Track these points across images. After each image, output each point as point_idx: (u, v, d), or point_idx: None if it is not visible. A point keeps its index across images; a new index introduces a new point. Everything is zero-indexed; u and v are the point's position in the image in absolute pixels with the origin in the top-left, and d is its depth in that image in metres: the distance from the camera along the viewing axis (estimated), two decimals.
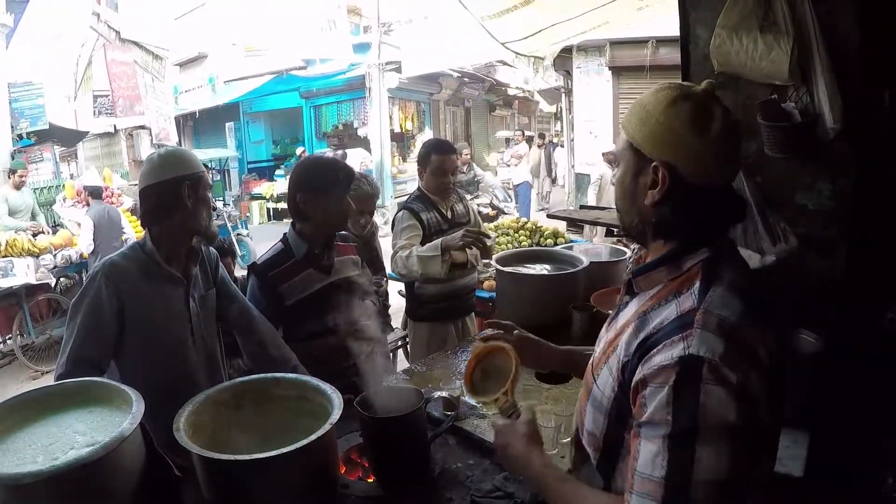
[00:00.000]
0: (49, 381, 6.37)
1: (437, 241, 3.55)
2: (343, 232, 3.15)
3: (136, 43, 12.25)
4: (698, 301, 1.20)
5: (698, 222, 1.29)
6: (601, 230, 6.11)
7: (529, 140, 14.30)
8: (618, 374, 1.28)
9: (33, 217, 8.64)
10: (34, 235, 7.66)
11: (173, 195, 2.28)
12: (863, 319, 2.44)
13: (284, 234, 2.91)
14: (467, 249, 3.70)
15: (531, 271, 3.57)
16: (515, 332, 1.91)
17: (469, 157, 15.30)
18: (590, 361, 1.47)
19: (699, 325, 1.16)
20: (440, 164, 3.84)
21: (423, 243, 3.69)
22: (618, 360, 1.29)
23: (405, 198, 4.24)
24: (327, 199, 2.75)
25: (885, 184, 2.38)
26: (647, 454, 1.15)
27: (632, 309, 1.37)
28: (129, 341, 2.32)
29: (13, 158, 10.61)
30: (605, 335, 1.46)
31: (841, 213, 2.48)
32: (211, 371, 2.51)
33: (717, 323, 1.16)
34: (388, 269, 4.27)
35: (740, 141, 1.32)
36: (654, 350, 1.19)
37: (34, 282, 7.08)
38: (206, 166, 10.06)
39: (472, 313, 4.26)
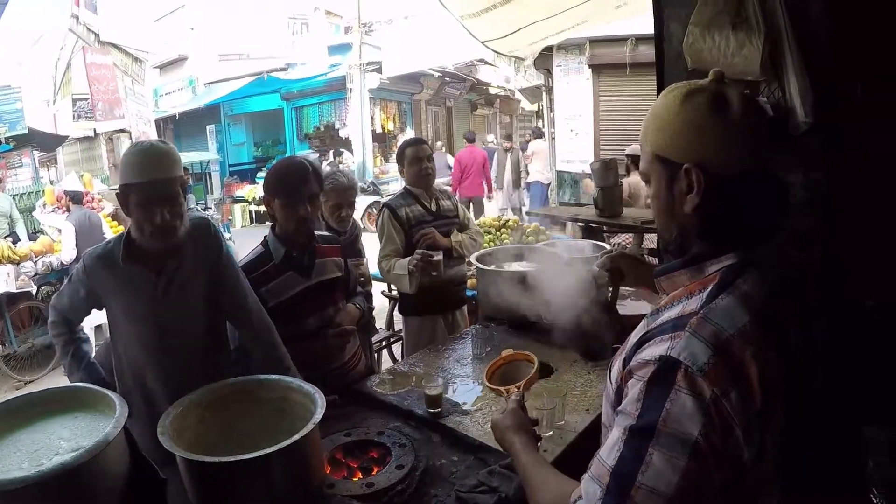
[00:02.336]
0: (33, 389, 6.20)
1: (405, 261, 3.74)
2: (326, 233, 3.17)
3: (115, 45, 12.12)
4: (702, 305, 1.18)
5: (736, 217, 1.24)
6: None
7: (540, 136, 14.14)
8: (620, 365, 1.27)
9: (12, 223, 8.54)
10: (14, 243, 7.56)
11: (124, 202, 2.35)
12: (843, 308, 2.47)
13: (265, 236, 2.91)
14: (452, 237, 4.00)
15: (510, 268, 3.60)
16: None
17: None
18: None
19: (690, 330, 1.13)
20: (414, 153, 4.03)
21: (406, 236, 3.90)
22: (626, 352, 1.27)
23: (388, 198, 4.34)
24: (290, 203, 2.75)
25: (857, 175, 2.42)
26: (610, 441, 1.15)
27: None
28: (112, 325, 2.50)
29: None
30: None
31: (815, 205, 2.51)
32: (203, 354, 2.50)
33: (711, 332, 1.12)
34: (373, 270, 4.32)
35: (764, 118, 1.28)
36: (647, 343, 1.18)
37: (14, 290, 6.94)
38: (185, 170, 9.95)
39: (464, 307, 4.32)
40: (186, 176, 2.42)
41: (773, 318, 1.20)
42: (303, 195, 2.75)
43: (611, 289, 1.98)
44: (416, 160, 4.00)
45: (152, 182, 2.29)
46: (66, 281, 2.62)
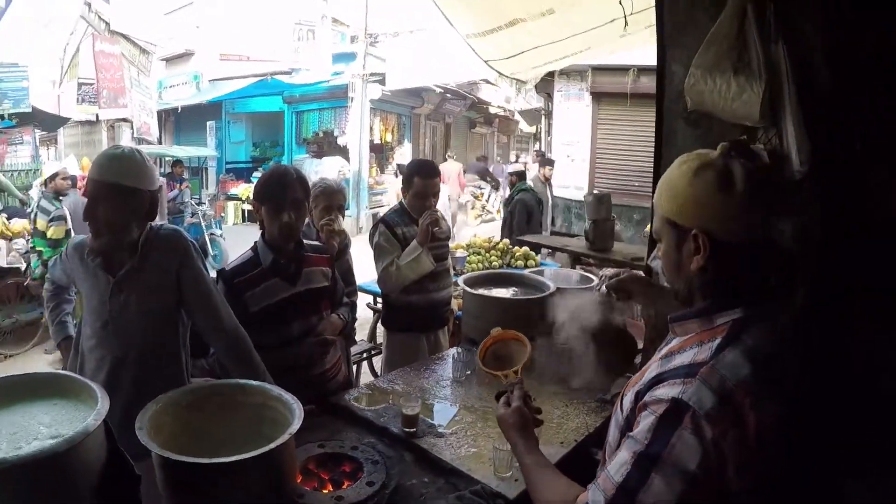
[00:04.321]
0: (15, 365, 6.26)
1: (413, 243, 3.79)
2: (316, 243, 3.18)
3: (124, 36, 12.15)
4: (711, 356, 1.33)
5: (740, 278, 1.40)
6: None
7: (544, 160, 14.28)
8: (633, 398, 1.43)
9: (9, 198, 8.50)
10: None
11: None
12: (829, 358, 2.48)
13: (255, 241, 2.93)
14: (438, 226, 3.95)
15: (497, 294, 3.61)
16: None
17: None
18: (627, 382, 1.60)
19: (701, 377, 1.29)
20: (422, 187, 3.95)
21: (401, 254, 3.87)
22: (639, 386, 1.43)
23: (381, 209, 4.31)
24: (274, 210, 2.79)
25: (850, 224, 2.43)
26: (619, 459, 1.33)
27: (671, 344, 1.51)
28: (84, 308, 2.65)
29: None
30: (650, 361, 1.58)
31: (804, 253, 2.52)
32: (149, 359, 2.54)
33: (718, 382, 1.28)
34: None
35: (770, 192, 1.41)
36: (662, 383, 1.35)
37: (5, 265, 7.06)
38: (179, 162, 9.94)
39: (445, 327, 4.31)
40: (155, 190, 2.50)
41: (772, 370, 1.35)
42: (286, 201, 2.78)
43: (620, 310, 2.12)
44: (423, 196, 3.95)
45: (91, 181, 2.43)
46: (58, 255, 2.95)
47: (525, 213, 8.69)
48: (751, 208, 1.37)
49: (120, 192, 2.40)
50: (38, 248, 6.70)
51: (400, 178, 11.25)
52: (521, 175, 9.68)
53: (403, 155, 19.44)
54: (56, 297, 2.98)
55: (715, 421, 1.24)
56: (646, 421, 1.32)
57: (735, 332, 1.36)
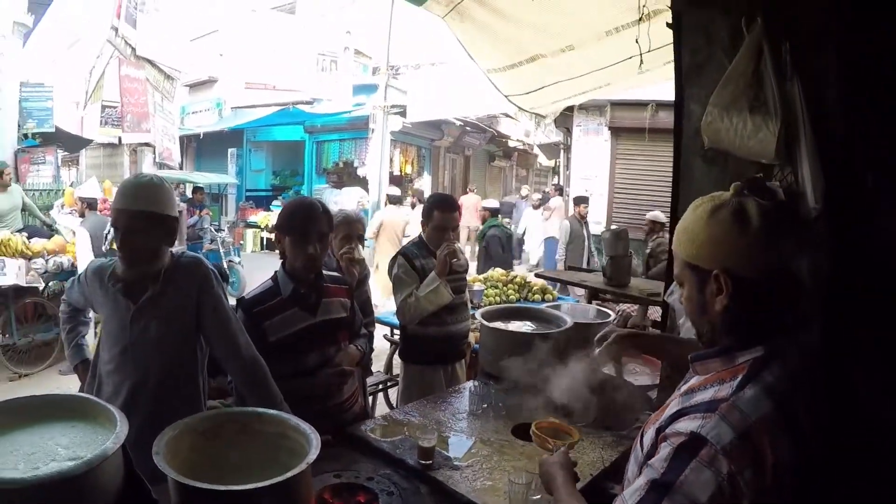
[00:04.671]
0: (30, 385, 6.29)
1: (432, 275, 3.82)
2: (335, 273, 3.21)
3: (149, 61, 12.37)
4: (732, 393, 1.36)
5: (763, 314, 1.43)
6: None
7: (560, 192, 14.34)
8: (654, 434, 1.45)
9: (31, 217, 8.62)
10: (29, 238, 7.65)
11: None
12: (837, 393, 2.47)
13: (276, 271, 2.96)
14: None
15: (514, 327, 3.62)
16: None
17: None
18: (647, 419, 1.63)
19: (720, 414, 1.31)
20: (441, 221, 3.99)
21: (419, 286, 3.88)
22: (659, 423, 1.45)
23: (404, 245, 4.33)
24: (299, 241, 2.82)
25: (861, 263, 2.43)
26: (635, 485, 1.38)
27: (691, 382, 1.54)
28: (102, 331, 2.68)
29: (16, 157, 10.67)
30: (670, 399, 1.59)
31: (816, 290, 2.52)
32: (166, 383, 2.58)
33: (737, 418, 1.30)
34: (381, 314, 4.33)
35: (786, 226, 1.43)
36: (682, 418, 1.38)
37: (24, 284, 7.08)
38: (200, 189, 10.06)
39: (463, 360, 4.31)
40: (176, 214, 2.58)
41: (791, 407, 1.37)
42: (312, 234, 2.81)
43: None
44: (442, 230, 3.98)
45: (120, 210, 2.48)
46: (76, 277, 2.87)
47: (499, 245, 9.38)
48: (768, 243, 1.39)
49: (154, 220, 2.48)
50: None
51: (417, 207, 11.36)
52: (493, 211, 10.34)
53: (423, 187, 19.55)
54: (72, 319, 3.00)
55: (732, 456, 1.26)
56: (664, 451, 1.34)
57: (756, 370, 1.39)
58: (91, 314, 3.08)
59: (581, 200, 10.76)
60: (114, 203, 2.51)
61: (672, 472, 1.30)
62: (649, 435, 1.49)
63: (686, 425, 1.34)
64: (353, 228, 3.98)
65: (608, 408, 2.73)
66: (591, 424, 2.75)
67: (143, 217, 2.46)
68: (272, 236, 16.32)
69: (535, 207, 14.74)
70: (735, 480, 1.25)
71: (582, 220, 10.48)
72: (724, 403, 1.33)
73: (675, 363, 2.65)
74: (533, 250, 14.69)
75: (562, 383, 2.53)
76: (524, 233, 15.01)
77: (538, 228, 14.30)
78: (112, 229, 2.56)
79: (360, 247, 4.12)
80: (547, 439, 2.23)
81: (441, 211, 4.01)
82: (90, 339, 3.12)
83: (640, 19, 3.49)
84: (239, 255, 12.49)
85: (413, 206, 12.04)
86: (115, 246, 2.56)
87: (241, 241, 17.05)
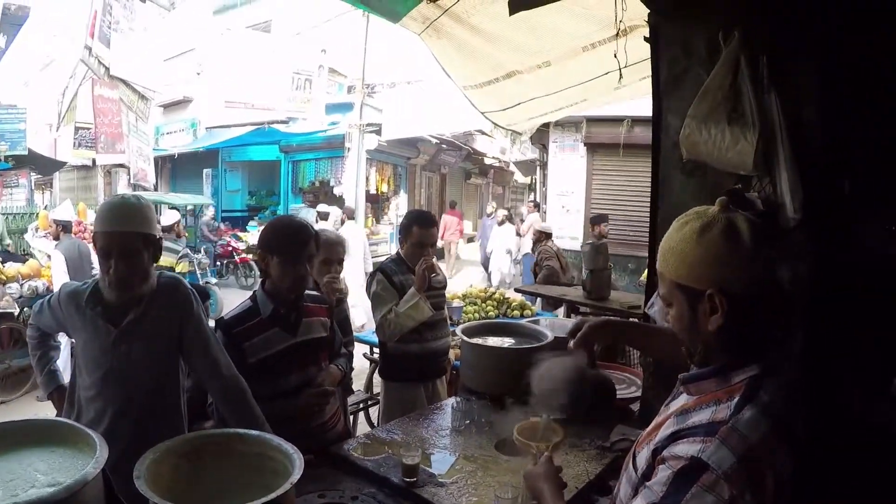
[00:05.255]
0: (7, 412, 6.16)
1: (411, 290, 3.80)
2: (315, 293, 3.18)
3: (124, 81, 12.23)
4: (730, 416, 1.33)
5: (757, 330, 1.42)
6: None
7: (537, 208, 14.38)
8: (649, 455, 1.43)
9: (1, 242, 8.52)
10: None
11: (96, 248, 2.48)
12: (823, 403, 2.48)
13: (254, 291, 2.93)
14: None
15: (494, 343, 3.61)
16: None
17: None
18: (636, 440, 1.61)
19: (720, 438, 1.29)
20: (420, 237, 3.99)
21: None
22: (655, 443, 1.43)
23: (378, 259, 4.31)
24: (289, 262, 2.78)
25: (841, 270, 2.46)
26: None
27: (681, 401, 1.52)
28: (75, 352, 2.64)
29: None
30: (657, 417, 1.59)
31: (798, 298, 2.54)
32: (150, 408, 2.54)
33: (737, 442, 1.28)
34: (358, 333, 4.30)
35: (771, 236, 1.43)
36: (681, 440, 1.35)
37: None
38: (176, 209, 10.08)
39: (444, 377, 4.30)
40: (161, 235, 2.53)
41: (786, 421, 1.36)
42: (303, 255, 2.79)
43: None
44: (421, 246, 3.98)
45: (112, 233, 2.41)
46: (45, 301, 2.75)
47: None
48: (758, 257, 1.38)
49: (147, 241, 2.46)
50: None
51: (347, 224, 11.11)
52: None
53: (399, 206, 19.57)
54: (42, 344, 2.85)
55: (733, 481, 1.24)
56: (663, 473, 1.33)
57: (752, 390, 1.37)
58: (61, 338, 2.96)
59: (600, 220, 9.29)
60: (102, 226, 2.43)
61: (672, 497, 1.29)
62: (644, 455, 1.46)
63: (685, 449, 1.32)
64: (333, 252, 3.95)
65: (588, 399, 2.69)
66: (574, 419, 2.69)
67: (139, 238, 2.42)
68: (249, 256, 16.34)
69: (500, 224, 14.82)
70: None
71: (602, 238, 8.59)
72: (724, 427, 1.31)
73: (651, 353, 2.70)
74: (498, 268, 14.80)
75: (540, 380, 2.50)
76: (491, 252, 15.09)
77: (503, 245, 14.54)
78: (99, 253, 2.45)
79: (340, 268, 4.08)
80: (530, 444, 2.18)
81: (420, 227, 4.00)
82: (62, 364, 3.00)
83: (618, 34, 3.51)
84: (216, 276, 12.36)
85: (342, 222, 11.25)
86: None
87: (218, 263, 16.89)
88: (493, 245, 15.12)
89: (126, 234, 2.41)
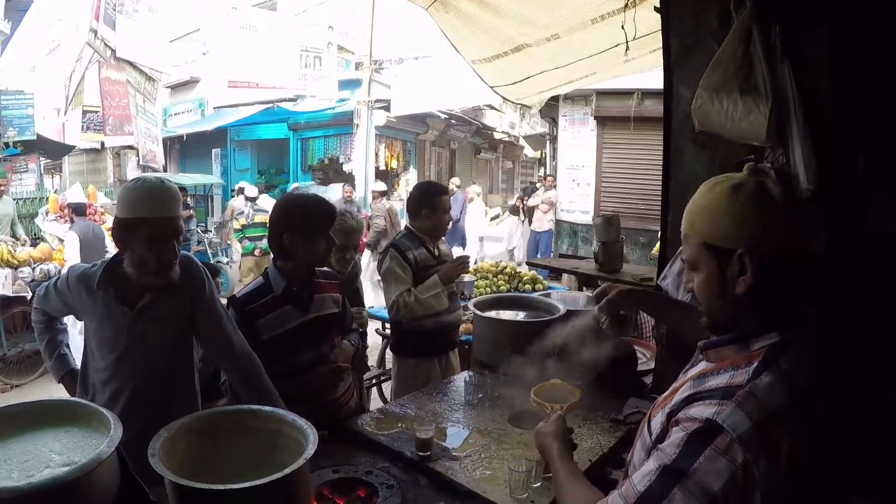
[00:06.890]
0: (21, 395, 6.23)
1: (434, 278, 3.82)
2: (326, 269, 3.18)
3: (130, 63, 12.21)
4: (748, 380, 1.33)
5: (785, 296, 1.40)
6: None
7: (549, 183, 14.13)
8: (664, 418, 1.42)
9: (13, 227, 8.55)
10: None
11: (121, 234, 2.40)
12: (836, 381, 2.48)
13: (266, 269, 2.93)
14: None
15: (507, 317, 3.61)
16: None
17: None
18: (652, 405, 1.61)
19: (736, 401, 1.28)
20: (444, 204, 4.06)
21: (414, 278, 3.89)
22: (670, 406, 1.42)
23: (394, 239, 4.31)
24: (313, 239, 2.79)
25: (855, 244, 2.44)
26: (644, 469, 1.35)
27: (700, 367, 1.52)
28: (86, 335, 2.59)
29: None
30: (674, 383, 1.58)
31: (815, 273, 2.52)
32: (165, 387, 2.55)
33: (754, 406, 1.27)
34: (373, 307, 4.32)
35: (800, 197, 1.41)
36: (696, 402, 1.35)
37: (10, 294, 7.01)
38: (184, 190, 10.11)
39: (456, 349, 4.32)
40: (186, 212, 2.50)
41: (805, 394, 1.35)
42: (328, 230, 2.83)
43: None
44: (444, 211, 4.05)
45: (164, 219, 2.36)
46: (51, 284, 2.72)
47: None
48: (789, 221, 1.38)
49: (180, 224, 2.44)
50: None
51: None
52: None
53: (409, 182, 19.52)
54: (49, 329, 2.84)
55: (748, 446, 1.23)
56: (676, 436, 1.32)
57: (772, 357, 1.36)
58: (68, 321, 2.93)
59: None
60: (151, 211, 2.34)
61: (685, 459, 1.27)
62: (658, 419, 1.46)
63: (701, 411, 1.31)
64: (350, 239, 3.93)
65: (607, 366, 2.69)
66: (592, 384, 2.69)
67: (176, 222, 2.41)
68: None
69: (470, 202, 14.54)
70: (749, 470, 1.23)
71: None
72: (741, 391, 1.30)
73: (669, 324, 2.65)
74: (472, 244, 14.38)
75: (562, 341, 2.50)
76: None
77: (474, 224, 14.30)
78: (145, 239, 2.35)
79: (354, 252, 4.10)
80: (544, 404, 2.20)
81: (442, 194, 4.10)
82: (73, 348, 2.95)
83: (626, 6, 3.47)
84: (227, 256, 12.41)
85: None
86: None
87: (229, 242, 16.93)
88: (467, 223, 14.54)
89: (173, 218, 2.39)
